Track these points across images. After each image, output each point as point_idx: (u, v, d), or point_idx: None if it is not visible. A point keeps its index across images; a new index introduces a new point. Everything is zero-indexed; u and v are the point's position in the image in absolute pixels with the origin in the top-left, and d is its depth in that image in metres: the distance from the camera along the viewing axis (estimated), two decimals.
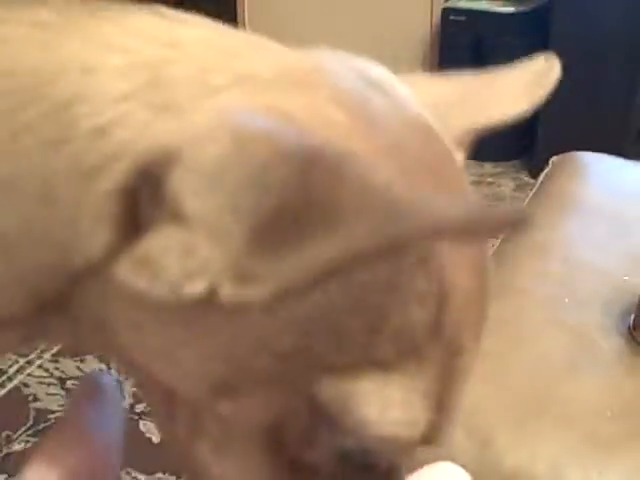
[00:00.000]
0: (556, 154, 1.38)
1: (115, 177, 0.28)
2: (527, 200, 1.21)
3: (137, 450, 1.50)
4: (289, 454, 0.33)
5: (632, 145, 2.32)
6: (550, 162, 1.31)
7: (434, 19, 2.61)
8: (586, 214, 1.14)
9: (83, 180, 0.29)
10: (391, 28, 2.68)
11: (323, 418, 0.32)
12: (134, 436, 1.53)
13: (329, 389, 0.31)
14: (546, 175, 1.28)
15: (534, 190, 1.25)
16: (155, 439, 1.58)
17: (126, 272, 0.28)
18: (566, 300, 0.93)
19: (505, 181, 2.51)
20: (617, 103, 2.31)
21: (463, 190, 0.35)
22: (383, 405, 0.32)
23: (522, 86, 0.43)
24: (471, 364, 0.35)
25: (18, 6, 0.31)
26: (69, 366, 1.79)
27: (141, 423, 1.59)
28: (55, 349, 1.85)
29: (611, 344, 0.87)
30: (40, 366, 1.80)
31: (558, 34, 2.30)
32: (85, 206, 0.29)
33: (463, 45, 2.51)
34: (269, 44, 0.33)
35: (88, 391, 0.34)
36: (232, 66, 0.31)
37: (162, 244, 0.28)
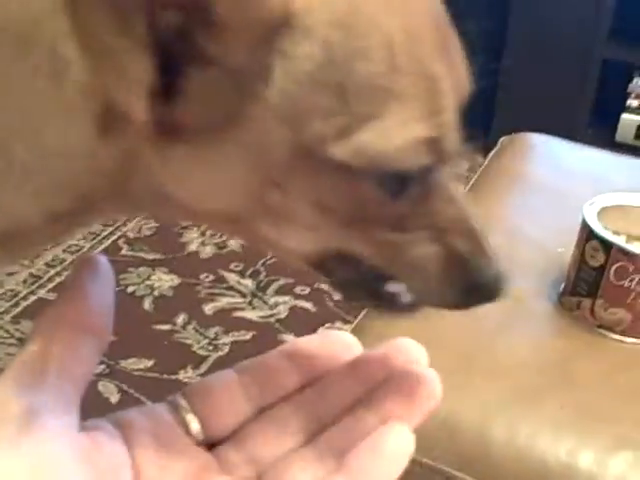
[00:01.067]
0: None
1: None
2: (475, 177, 1.27)
3: (95, 410, 1.55)
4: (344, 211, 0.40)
5: (585, 129, 2.41)
6: (499, 142, 1.38)
7: None
8: (529, 190, 1.21)
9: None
10: None
11: (354, 171, 0.38)
12: (92, 397, 1.58)
13: (341, 149, 0.38)
14: (495, 154, 1.35)
15: (482, 167, 1.31)
16: (113, 400, 1.63)
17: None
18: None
19: (460, 163, 2.59)
20: (570, 89, 2.39)
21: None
22: (386, 136, 0.38)
23: None
24: (452, 83, 0.41)
25: None
26: (29, 327, 1.83)
27: (99, 384, 1.63)
28: (15, 311, 1.88)
29: (542, 308, 0.94)
30: (0, 327, 1.84)
31: (515, 19, 2.37)
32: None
33: None
34: None
35: (87, 265, 0.41)
36: None
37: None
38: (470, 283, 0.45)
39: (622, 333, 0.89)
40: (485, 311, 0.92)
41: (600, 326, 0.90)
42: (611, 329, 0.89)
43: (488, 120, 2.45)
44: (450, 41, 0.42)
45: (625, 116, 2.37)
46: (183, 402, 0.42)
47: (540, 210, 1.14)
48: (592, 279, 0.88)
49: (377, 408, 0.41)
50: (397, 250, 0.43)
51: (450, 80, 0.41)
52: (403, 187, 0.41)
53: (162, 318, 1.88)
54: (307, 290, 1.99)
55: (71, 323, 0.39)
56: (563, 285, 0.95)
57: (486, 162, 1.34)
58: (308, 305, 1.94)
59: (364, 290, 0.45)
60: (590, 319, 0.90)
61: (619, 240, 0.88)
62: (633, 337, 0.89)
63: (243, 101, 0.37)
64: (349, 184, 0.40)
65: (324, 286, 2.01)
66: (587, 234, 0.89)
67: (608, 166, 1.30)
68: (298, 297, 1.97)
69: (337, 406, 0.42)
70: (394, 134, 0.39)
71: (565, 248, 1.00)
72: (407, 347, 0.44)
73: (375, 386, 0.42)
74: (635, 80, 2.35)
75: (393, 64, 0.38)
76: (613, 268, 0.86)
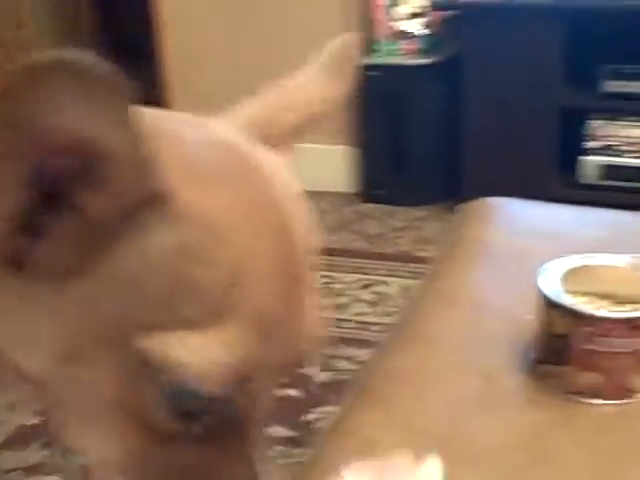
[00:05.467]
0: (480, 194, 1.43)
1: None
2: (437, 250, 1.27)
3: None
4: (140, 421, 0.41)
5: (551, 178, 2.42)
6: (458, 209, 1.38)
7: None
8: (494, 257, 1.20)
9: None
10: None
11: (152, 372, 0.39)
12: None
13: (149, 343, 0.39)
14: (455, 222, 1.34)
15: (445, 239, 1.31)
16: None
17: None
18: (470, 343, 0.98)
19: (433, 224, 2.60)
20: (531, 142, 2.42)
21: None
22: (192, 351, 0.39)
23: (328, 73, 0.54)
24: (285, 326, 0.43)
25: None
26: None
27: None
28: None
29: (515, 381, 0.92)
30: None
31: (470, 83, 2.41)
32: None
33: (382, 98, 2.61)
34: None
35: None
36: None
37: None
38: None
39: (598, 397, 0.87)
40: (456, 394, 0.91)
41: (575, 392, 0.88)
42: (586, 394, 0.87)
43: (457, 178, 2.48)
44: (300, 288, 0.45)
45: (586, 158, 2.39)
46: None
47: (505, 277, 1.13)
48: (559, 346, 0.87)
49: None
50: None
51: (284, 335, 0.43)
52: (192, 416, 0.41)
53: None
54: None
55: None
56: (534, 353, 0.93)
57: (449, 232, 1.34)
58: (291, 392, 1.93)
59: None
60: (564, 386, 0.88)
61: (579, 305, 0.87)
62: (610, 399, 0.87)
63: (95, 257, 0.38)
64: (139, 385, 0.40)
65: (308, 370, 1.98)
66: (546, 302, 0.88)
67: (571, 222, 1.30)
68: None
69: None
70: (199, 349, 0.39)
71: (534, 314, 0.99)
72: None
73: None
74: (590, 123, 2.38)
75: (232, 292, 0.40)
76: (577, 334, 0.85)
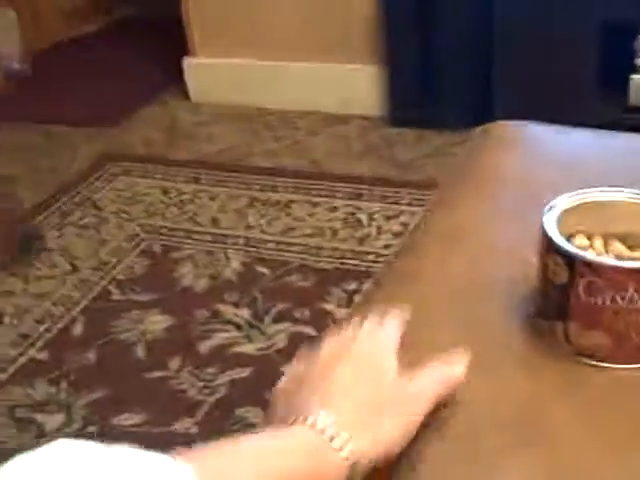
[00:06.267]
0: (516, 118, 1.28)
1: None
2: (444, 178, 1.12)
3: None
4: None
5: (595, 99, 2.23)
6: (473, 133, 1.22)
7: None
8: (504, 189, 1.05)
9: None
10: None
11: None
12: None
13: None
14: (470, 147, 1.19)
15: (454, 165, 1.16)
16: None
17: None
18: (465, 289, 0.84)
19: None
20: (570, 64, 2.22)
21: None
22: None
23: None
24: None
25: None
26: (21, 395, 1.73)
27: None
28: (4, 377, 1.78)
29: (509, 338, 0.78)
30: None
31: None
32: None
33: (411, 16, 2.43)
34: None
35: None
36: None
37: None
38: None
39: (606, 360, 0.73)
40: (444, 345, 0.77)
41: (579, 354, 0.74)
42: (592, 356, 0.73)
43: (489, 105, 2.29)
44: None
45: (635, 77, 2.18)
46: None
47: (514, 213, 0.97)
48: (559, 299, 0.73)
49: None
50: None
51: None
52: None
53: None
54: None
55: None
56: (534, 303, 0.79)
57: (460, 158, 1.18)
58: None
59: None
60: (565, 345, 0.74)
61: (582, 250, 0.72)
62: (621, 363, 0.73)
63: None
64: None
65: (326, 306, 1.87)
66: (547, 245, 0.73)
67: (600, 151, 1.13)
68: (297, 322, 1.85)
69: None
70: None
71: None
72: None
73: None
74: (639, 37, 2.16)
75: None
76: (581, 284, 0.70)
